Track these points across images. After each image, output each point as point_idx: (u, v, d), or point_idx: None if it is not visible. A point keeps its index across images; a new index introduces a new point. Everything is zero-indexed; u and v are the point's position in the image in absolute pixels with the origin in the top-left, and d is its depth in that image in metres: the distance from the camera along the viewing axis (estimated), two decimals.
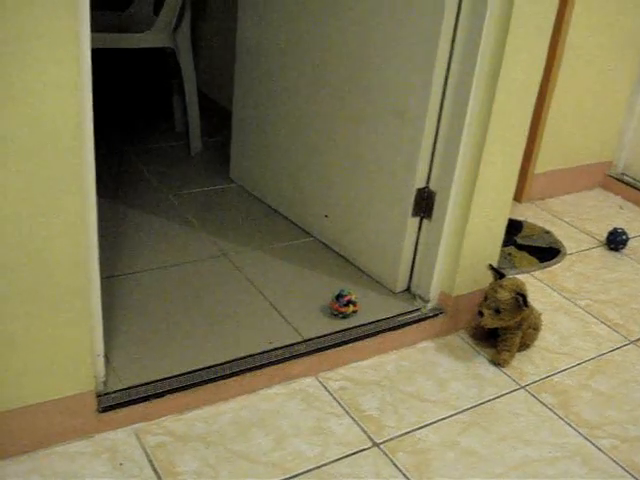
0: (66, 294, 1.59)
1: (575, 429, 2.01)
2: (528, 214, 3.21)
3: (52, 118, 1.43)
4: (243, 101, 2.78)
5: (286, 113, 2.59)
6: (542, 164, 3.27)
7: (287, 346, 2.06)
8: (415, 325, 2.24)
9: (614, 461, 1.92)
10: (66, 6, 1.36)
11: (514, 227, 3.02)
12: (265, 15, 2.57)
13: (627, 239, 2.98)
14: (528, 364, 2.25)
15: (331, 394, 2.02)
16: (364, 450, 1.85)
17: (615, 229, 3.00)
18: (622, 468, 1.90)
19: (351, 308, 2.19)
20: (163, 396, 1.85)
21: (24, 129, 1.41)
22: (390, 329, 2.20)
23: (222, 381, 1.92)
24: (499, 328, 2.21)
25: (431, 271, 2.25)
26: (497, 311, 2.14)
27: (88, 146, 1.52)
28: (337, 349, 2.10)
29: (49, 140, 1.44)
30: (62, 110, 1.43)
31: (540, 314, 2.33)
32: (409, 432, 1.93)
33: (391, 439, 1.90)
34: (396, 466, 1.81)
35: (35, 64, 1.37)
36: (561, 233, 3.08)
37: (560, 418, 2.04)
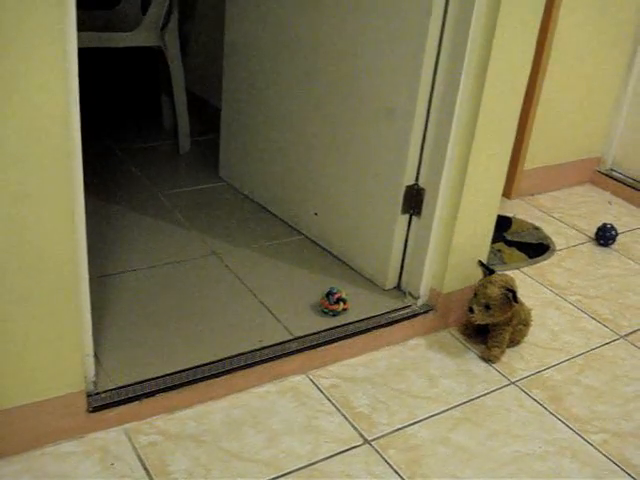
0: (55, 294, 1.59)
1: (566, 424, 2.02)
2: (517, 210, 3.21)
3: (39, 118, 1.42)
4: (232, 99, 2.78)
5: (275, 111, 2.59)
6: (531, 160, 3.28)
7: (277, 344, 2.06)
8: (405, 322, 2.25)
9: (605, 456, 1.92)
10: (51, 5, 1.36)
11: (503, 223, 3.03)
12: (253, 13, 2.57)
13: (616, 234, 2.99)
14: (518, 360, 2.26)
15: (322, 392, 2.02)
16: (355, 447, 1.86)
17: (604, 224, 3.01)
18: (613, 463, 1.90)
19: (341, 306, 2.19)
20: (154, 395, 1.84)
21: (10, 130, 1.40)
22: (380, 326, 2.20)
23: (213, 380, 1.92)
24: (489, 324, 2.21)
25: (421, 268, 2.26)
26: (487, 307, 2.14)
27: (76, 146, 1.52)
28: (328, 347, 2.10)
29: (36, 141, 1.44)
30: (49, 110, 1.43)
31: (530, 310, 2.33)
32: (400, 429, 1.93)
33: (382, 436, 1.90)
34: (388, 463, 1.82)
35: (20, 64, 1.37)
36: (550, 229, 3.08)
37: (551, 413, 2.05)
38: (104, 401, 1.79)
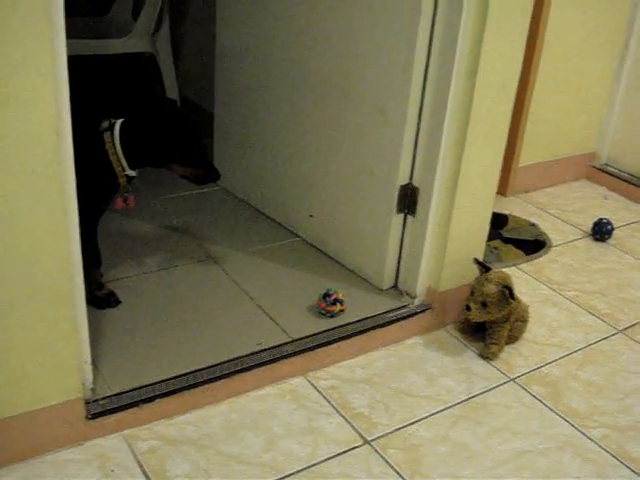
0: (51, 302, 1.59)
1: (566, 420, 2.02)
2: (513, 207, 3.21)
3: (29, 128, 1.42)
4: (224, 103, 2.78)
5: (268, 114, 2.59)
6: (526, 157, 3.28)
7: (275, 347, 2.06)
8: (403, 321, 2.25)
9: (605, 450, 1.92)
10: (39, 12, 1.35)
11: (499, 221, 3.03)
12: (244, 17, 2.57)
13: (612, 229, 2.99)
14: (517, 357, 2.25)
15: (321, 393, 2.02)
16: (355, 448, 1.85)
17: (600, 219, 3.01)
18: (613, 457, 1.90)
19: (338, 307, 2.19)
20: (152, 401, 1.84)
21: (0, 139, 1.40)
22: (378, 326, 2.20)
23: (211, 384, 1.92)
24: (487, 322, 2.21)
25: (417, 267, 2.26)
26: (484, 305, 2.14)
27: (67, 153, 1.52)
28: (325, 348, 2.10)
29: (27, 150, 1.43)
30: (39, 119, 1.43)
31: (527, 306, 2.33)
32: (400, 428, 1.93)
33: (382, 436, 1.90)
34: (388, 463, 1.81)
35: (9, 73, 1.36)
36: (546, 225, 3.08)
37: (550, 409, 2.05)
38: (103, 408, 1.79)
